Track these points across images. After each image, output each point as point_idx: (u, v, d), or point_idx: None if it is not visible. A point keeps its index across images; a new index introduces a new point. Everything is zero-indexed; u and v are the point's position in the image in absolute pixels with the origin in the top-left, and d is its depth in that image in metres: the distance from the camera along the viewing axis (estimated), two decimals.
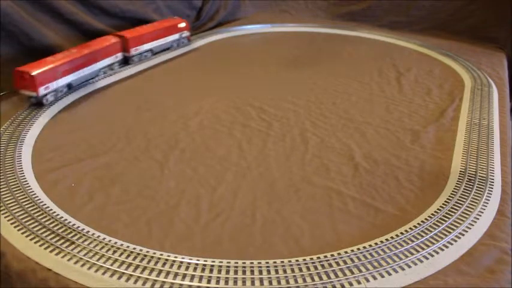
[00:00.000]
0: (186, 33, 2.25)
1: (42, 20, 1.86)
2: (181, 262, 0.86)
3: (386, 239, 0.94)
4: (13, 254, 0.89)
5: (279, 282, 0.82)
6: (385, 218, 1.04)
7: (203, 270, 0.84)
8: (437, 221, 1.00)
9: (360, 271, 0.85)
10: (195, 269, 0.84)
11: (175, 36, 2.17)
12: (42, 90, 1.49)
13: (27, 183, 1.09)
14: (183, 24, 2.21)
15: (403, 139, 1.41)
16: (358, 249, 0.91)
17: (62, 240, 0.90)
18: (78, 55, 1.65)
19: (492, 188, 1.13)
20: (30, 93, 1.48)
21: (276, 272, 0.84)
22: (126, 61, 1.93)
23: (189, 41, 2.30)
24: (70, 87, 1.64)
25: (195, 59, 2.20)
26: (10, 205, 1.00)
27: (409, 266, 0.87)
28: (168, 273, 0.83)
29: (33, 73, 1.45)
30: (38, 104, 1.50)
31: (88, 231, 0.94)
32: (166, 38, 2.12)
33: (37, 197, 1.04)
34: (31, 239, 0.91)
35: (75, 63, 1.63)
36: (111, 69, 1.85)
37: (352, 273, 0.84)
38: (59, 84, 1.57)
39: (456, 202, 1.07)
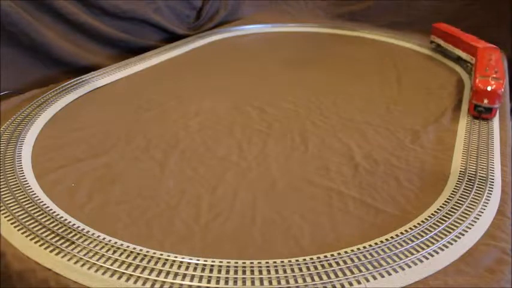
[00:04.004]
0: None
1: (42, 20, 1.86)
2: (181, 262, 0.86)
3: (386, 239, 0.94)
4: (13, 254, 0.89)
5: (279, 282, 0.81)
6: (385, 218, 1.04)
7: (203, 270, 0.84)
8: (437, 221, 1.00)
9: (360, 271, 0.84)
10: (195, 269, 0.84)
11: None
12: None
13: (27, 183, 1.09)
14: None
15: (403, 139, 1.41)
16: (358, 249, 0.91)
17: (62, 240, 0.90)
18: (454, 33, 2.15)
19: (492, 188, 1.13)
20: None
21: (276, 272, 0.84)
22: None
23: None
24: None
25: (195, 59, 2.20)
26: (10, 205, 1.00)
27: (409, 266, 0.86)
28: (168, 273, 0.83)
29: None
30: None
31: (88, 231, 0.94)
32: None
33: (37, 197, 1.04)
34: (31, 239, 0.91)
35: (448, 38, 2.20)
36: (465, 62, 2.01)
37: (352, 273, 0.84)
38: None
39: (456, 202, 1.06)
